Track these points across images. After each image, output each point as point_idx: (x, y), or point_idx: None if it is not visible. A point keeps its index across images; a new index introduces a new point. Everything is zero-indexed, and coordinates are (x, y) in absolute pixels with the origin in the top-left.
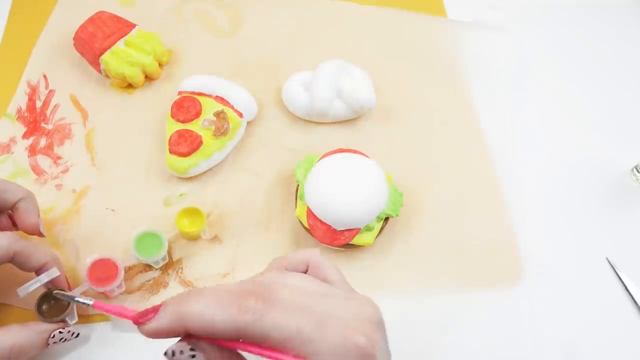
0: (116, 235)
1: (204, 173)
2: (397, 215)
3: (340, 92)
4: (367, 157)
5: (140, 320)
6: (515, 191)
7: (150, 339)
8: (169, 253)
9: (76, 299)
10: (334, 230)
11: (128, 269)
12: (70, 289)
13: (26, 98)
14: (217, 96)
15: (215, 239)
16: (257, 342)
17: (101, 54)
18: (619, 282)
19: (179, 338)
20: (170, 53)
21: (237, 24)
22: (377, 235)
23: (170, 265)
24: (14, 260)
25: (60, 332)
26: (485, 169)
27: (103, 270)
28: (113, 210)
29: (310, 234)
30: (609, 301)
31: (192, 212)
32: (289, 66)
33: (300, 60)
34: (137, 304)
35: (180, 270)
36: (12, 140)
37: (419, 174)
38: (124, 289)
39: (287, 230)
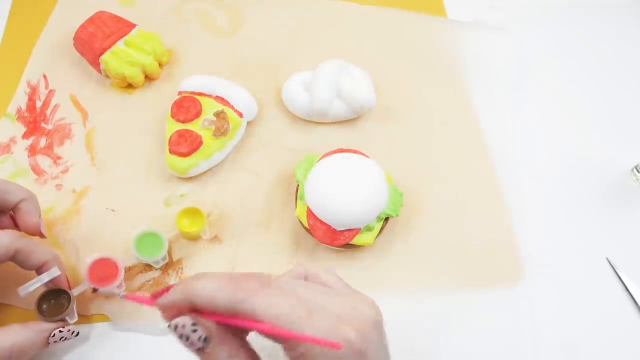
0: (116, 235)
1: (204, 173)
2: (397, 215)
3: (340, 92)
4: (367, 157)
5: (156, 296)
6: (515, 191)
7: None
8: (169, 253)
9: (114, 292)
10: (334, 230)
11: (128, 269)
12: (70, 289)
13: (26, 98)
14: (217, 96)
15: (215, 239)
16: (249, 318)
17: (101, 54)
18: (619, 282)
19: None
20: (170, 53)
21: (237, 24)
22: (377, 235)
23: (170, 265)
24: (15, 258)
25: (60, 331)
26: (485, 169)
27: (103, 269)
28: (113, 210)
29: (310, 234)
30: (609, 301)
31: (192, 212)
32: (289, 66)
33: (300, 60)
34: (137, 304)
35: (180, 270)
36: (12, 140)
37: (419, 174)
38: (124, 288)
39: (287, 230)
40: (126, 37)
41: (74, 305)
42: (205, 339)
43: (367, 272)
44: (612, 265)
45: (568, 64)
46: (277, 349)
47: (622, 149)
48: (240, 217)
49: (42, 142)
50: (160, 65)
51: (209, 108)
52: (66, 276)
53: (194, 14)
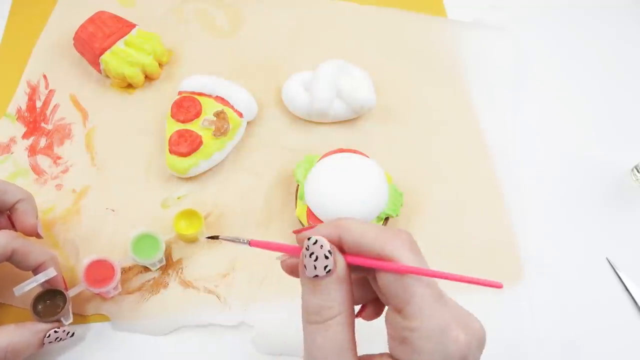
0: (116, 236)
1: (204, 173)
2: (397, 215)
3: (340, 92)
4: (367, 157)
5: (300, 231)
6: (515, 191)
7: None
8: (169, 253)
9: (237, 238)
10: None
11: (128, 270)
12: (67, 290)
13: (26, 98)
14: (217, 96)
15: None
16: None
17: (101, 54)
18: (619, 282)
19: None
20: (170, 53)
21: (237, 24)
22: None
23: (170, 265)
24: (12, 258)
25: (55, 332)
26: (485, 169)
27: (100, 271)
28: (113, 210)
29: None
30: (609, 301)
31: (190, 215)
32: (289, 66)
33: (300, 60)
34: (137, 304)
35: (180, 270)
36: (12, 140)
37: (419, 174)
38: (120, 290)
39: (287, 231)
40: (126, 37)
41: (69, 307)
42: (329, 271)
43: None
44: (612, 265)
45: (568, 64)
46: None
47: (622, 149)
48: (240, 217)
49: (42, 142)
50: (160, 65)
51: (209, 108)
52: (62, 277)
53: (194, 14)
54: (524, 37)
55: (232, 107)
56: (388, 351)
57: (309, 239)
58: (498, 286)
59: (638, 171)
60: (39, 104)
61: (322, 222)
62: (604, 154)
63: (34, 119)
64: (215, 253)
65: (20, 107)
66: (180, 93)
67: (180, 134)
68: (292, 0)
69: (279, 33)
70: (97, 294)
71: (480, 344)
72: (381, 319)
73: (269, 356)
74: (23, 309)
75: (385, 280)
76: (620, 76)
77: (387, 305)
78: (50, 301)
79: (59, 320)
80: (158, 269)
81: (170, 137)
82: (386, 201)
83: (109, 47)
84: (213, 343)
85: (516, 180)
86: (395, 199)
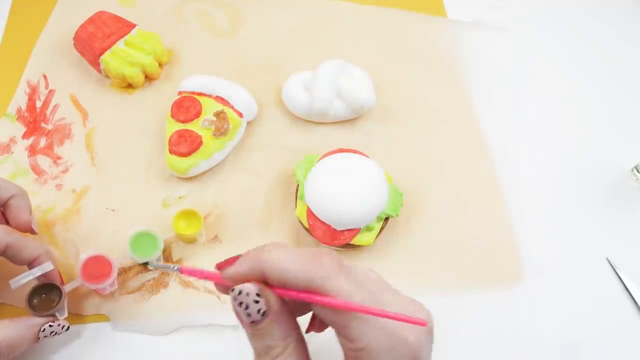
0: (116, 236)
1: (204, 173)
2: (397, 215)
3: (340, 92)
4: (367, 157)
5: (223, 266)
6: (515, 191)
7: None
8: (169, 253)
9: (166, 265)
10: (334, 230)
11: (128, 269)
12: (63, 284)
13: (26, 98)
14: (217, 96)
15: (215, 239)
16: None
17: (101, 54)
18: (619, 282)
19: None
20: (170, 53)
21: (237, 24)
22: (377, 235)
23: None
24: (6, 253)
25: (50, 326)
26: (485, 169)
27: (97, 267)
28: (113, 210)
29: (310, 234)
30: (609, 301)
31: (190, 215)
32: (289, 66)
33: (300, 60)
34: (137, 304)
35: None
36: (12, 140)
37: (419, 174)
38: (116, 287)
39: (287, 230)
40: (126, 37)
41: (64, 301)
42: (264, 313)
43: None
44: (612, 265)
45: (568, 64)
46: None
47: (622, 149)
48: (240, 217)
49: (42, 142)
50: (160, 65)
51: (209, 108)
52: (59, 271)
53: (194, 14)
54: (524, 37)
55: (232, 107)
56: None
57: (232, 290)
58: (422, 324)
59: (638, 171)
60: (39, 104)
61: (322, 222)
62: (604, 154)
63: (34, 119)
64: (215, 253)
65: (20, 107)
66: (180, 93)
67: (180, 134)
68: (292, 0)
69: (279, 33)
70: (94, 290)
71: (430, 331)
72: None
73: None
74: (17, 308)
75: (319, 310)
76: (620, 76)
77: (330, 326)
78: (46, 295)
79: (53, 315)
80: (153, 268)
81: (170, 137)
82: (386, 201)
83: (109, 47)
84: (213, 343)
85: (516, 180)
86: (395, 199)
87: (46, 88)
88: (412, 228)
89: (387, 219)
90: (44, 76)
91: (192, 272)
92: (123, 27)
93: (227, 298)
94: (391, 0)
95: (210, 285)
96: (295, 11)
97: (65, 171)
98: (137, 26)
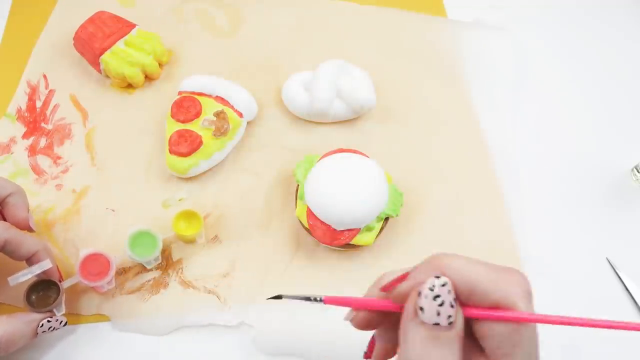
0: (116, 236)
1: (204, 173)
2: (397, 215)
3: (340, 92)
4: (367, 157)
5: (390, 287)
6: (515, 191)
7: None
8: (169, 254)
9: (311, 297)
10: (334, 230)
11: (128, 269)
12: (61, 280)
13: (26, 98)
14: (217, 96)
15: (215, 239)
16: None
17: (101, 54)
18: (619, 282)
19: None
20: (170, 53)
21: (237, 24)
22: (377, 235)
23: (170, 265)
24: (5, 249)
25: (48, 321)
26: (485, 169)
27: (95, 264)
28: (113, 210)
29: (310, 234)
30: (609, 301)
31: (190, 215)
32: (289, 66)
33: (300, 60)
34: (137, 304)
35: (180, 270)
36: (12, 140)
37: (419, 174)
38: (113, 285)
39: (287, 230)
40: (126, 37)
41: (62, 298)
42: (450, 324)
43: (367, 272)
44: (612, 265)
45: (568, 64)
46: None
47: (622, 149)
48: (240, 217)
49: (42, 142)
50: (160, 65)
51: (209, 108)
52: (57, 268)
53: (194, 14)
54: (524, 37)
55: (232, 107)
56: None
57: (437, 277)
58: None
59: (638, 171)
60: (39, 104)
61: (322, 222)
62: (604, 154)
63: (34, 119)
64: (215, 253)
65: (20, 107)
66: (180, 93)
67: (180, 134)
68: (292, 0)
69: (279, 33)
70: (92, 288)
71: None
72: None
73: (269, 356)
74: (14, 307)
75: (493, 331)
76: (620, 76)
77: (486, 352)
78: (44, 292)
79: (51, 311)
80: (157, 268)
81: (170, 137)
82: (386, 201)
83: (109, 47)
84: (213, 343)
85: (516, 180)
86: (395, 199)
87: (46, 88)
88: (412, 228)
89: (387, 219)
90: (44, 76)
91: (342, 302)
92: (123, 27)
93: (227, 298)
94: (391, 0)
95: (210, 285)
96: (295, 11)
97: (65, 171)
98: (137, 26)
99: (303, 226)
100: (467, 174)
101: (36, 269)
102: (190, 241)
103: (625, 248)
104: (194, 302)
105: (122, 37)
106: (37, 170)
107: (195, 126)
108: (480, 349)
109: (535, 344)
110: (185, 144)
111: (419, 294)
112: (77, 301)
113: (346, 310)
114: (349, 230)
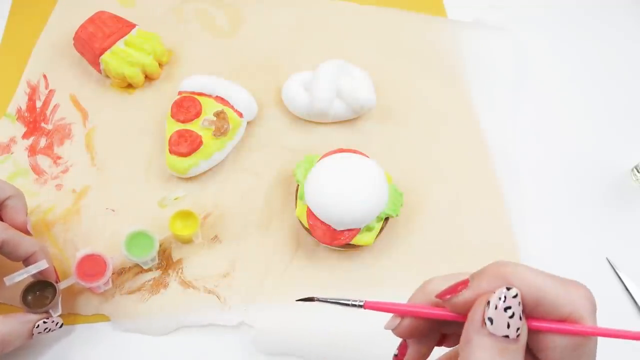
0: (116, 236)
1: (204, 173)
2: (397, 215)
3: (340, 92)
4: (367, 157)
5: (445, 294)
6: (515, 191)
7: None
8: (169, 254)
9: (345, 302)
10: (334, 230)
11: (127, 270)
12: (58, 281)
13: (26, 98)
14: (217, 96)
15: (215, 239)
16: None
17: (101, 54)
18: (619, 282)
19: None
20: (170, 53)
21: (237, 24)
22: (377, 235)
23: (170, 265)
24: (2, 249)
25: (44, 322)
26: (485, 169)
27: (92, 265)
28: (113, 210)
29: (310, 234)
30: (609, 301)
31: (187, 215)
32: (289, 66)
33: (300, 60)
34: (137, 304)
35: (180, 270)
36: (12, 140)
37: (419, 174)
38: (110, 286)
39: (287, 230)
40: (126, 37)
41: (59, 299)
42: (517, 337)
43: (367, 272)
44: (612, 265)
45: (568, 64)
46: None
47: (622, 149)
48: (240, 217)
49: (42, 142)
50: (160, 65)
51: (209, 108)
52: (54, 268)
53: (194, 14)
54: (524, 37)
55: (232, 107)
56: None
57: (508, 288)
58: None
59: (638, 171)
60: (39, 104)
61: (322, 222)
62: (604, 154)
63: (34, 119)
64: (215, 253)
65: (20, 107)
66: (180, 93)
67: (180, 134)
68: (292, 0)
69: (279, 33)
70: (88, 289)
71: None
72: None
73: (269, 356)
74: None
75: (555, 343)
76: (620, 76)
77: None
78: (40, 292)
79: (47, 312)
80: (157, 268)
81: (170, 137)
82: (386, 201)
83: (109, 47)
84: (213, 343)
85: (516, 180)
86: (395, 199)
87: (46, 88)
88: (412, 228)
89: (387, 219)
90: (44, 76)
91: (386, 308)
92: (123, 27)
93: (227, 298)
94: (391, 0)
95: (210, 285)
96: (295, 11)
97: (65, 171)
98: (137, 26)
99: (303, 226)
100: (467, 174)
101: (32, 269)
102: (187, 241)
103: (625, 248)
104: (194, 302)
105: (122, 37)
106: (37, 170)
107: (195, 126)
108: None
109: (595, 356)
110: (185, 144)
111: (488, 304)
112: (77, 301)
113: (387, 316)
114: (349, 230)
